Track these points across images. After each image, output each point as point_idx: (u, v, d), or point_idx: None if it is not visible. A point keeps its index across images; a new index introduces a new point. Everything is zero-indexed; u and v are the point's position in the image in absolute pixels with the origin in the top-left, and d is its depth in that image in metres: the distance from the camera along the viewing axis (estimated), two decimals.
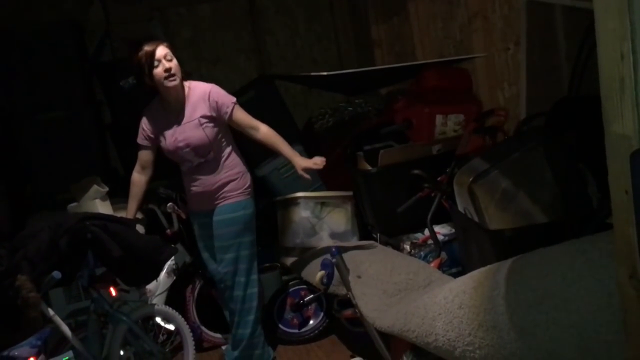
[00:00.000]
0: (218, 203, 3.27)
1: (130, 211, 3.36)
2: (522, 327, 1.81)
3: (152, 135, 3.26)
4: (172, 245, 3.51)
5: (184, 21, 5.42)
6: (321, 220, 4.04)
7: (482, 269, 2.20)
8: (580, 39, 2.98)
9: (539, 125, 3.07)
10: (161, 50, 3.08)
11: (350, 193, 4.04)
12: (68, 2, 5.09)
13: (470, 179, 2.90)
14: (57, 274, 2.83)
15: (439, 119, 3.59)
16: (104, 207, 3.60)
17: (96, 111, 4.95)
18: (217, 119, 3.18)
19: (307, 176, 3.24)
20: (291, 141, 4.76)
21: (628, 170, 1.29)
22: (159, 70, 3.06)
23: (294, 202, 4.04)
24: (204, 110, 3.16)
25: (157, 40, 3.19)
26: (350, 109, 4.75)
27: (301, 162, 3.22)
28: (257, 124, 3.26)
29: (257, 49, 5.70)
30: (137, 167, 3.37)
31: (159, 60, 3.06)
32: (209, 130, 3.16)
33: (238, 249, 3.27)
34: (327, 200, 4.05)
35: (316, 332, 3.86)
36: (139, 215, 3.69)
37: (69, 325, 3.09)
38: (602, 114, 1.37)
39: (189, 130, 3.15)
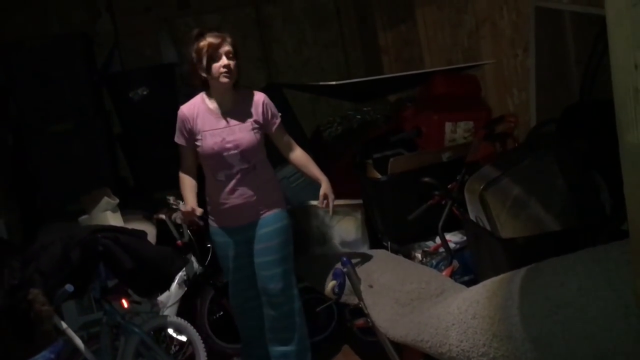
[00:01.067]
0: (262, 214, 3.10)
1: (190, 201, 3.10)
2: (538, 337, 1.80)
3: (187, 135, 3.05)
4: (183, 256, 3.53)
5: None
6: (331, 228, 4.02)
7: (496, 278, 2.18)
8: (590, 45, 2.96)
9: (549, 132, 3.05)
10: (226, 46, 2.94)
11: (359, 201, 4.02)
12: (77, 15, 5.13)
13: (482, 187, 2.88)
14: (69, 287, 2.84)
15: (448, 126, 3.58)
16: (114, 219, 3.61)
17: (106, 122, 4.98)
18: (264, 127, 3.09)
19: (322, 204, 3.20)
20: None
21: None
22: (217, 65, 2.92)
23: (304, 211, 4.03)
24: (257, 116, 3.06)
25: (223, 33, 3.01)
26: (359, 116, 4.75)
27: (325, 188, 3.18)
28: (294, 144, 3.25)
29: (264, 58, 5.73)
30: (183, 166, 3.15)
31: (221, 56, 2.92)
32: (259, 135, 3.06)
33: (287, 261, 3.15)
34: (336, 208, 4.03)
35: (327, 341, 3.84)
36: (150, 227, 3.71)
37: (81, 337, 3.10)
38: (617, 124, 1.36)
39: (240, 132, 3.01)
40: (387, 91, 4.84)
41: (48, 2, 5.13)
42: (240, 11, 5.64)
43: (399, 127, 3.94)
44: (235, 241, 3.14)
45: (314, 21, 5.79)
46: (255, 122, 3.05)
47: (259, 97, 3.11)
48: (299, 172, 3.36)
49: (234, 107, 3.04)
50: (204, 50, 2.91)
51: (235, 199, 3.06)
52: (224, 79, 2.93)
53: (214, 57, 2.90)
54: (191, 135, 3.04)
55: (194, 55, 2.95)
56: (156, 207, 3.92)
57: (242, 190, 3.05)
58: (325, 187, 3.18)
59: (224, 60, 2.91)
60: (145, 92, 4.59)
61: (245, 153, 3.02)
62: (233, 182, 3.03)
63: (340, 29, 5.85)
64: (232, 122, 3.02)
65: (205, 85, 3.04)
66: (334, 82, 3.76)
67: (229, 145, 2.99)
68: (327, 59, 5.84)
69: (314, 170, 3.23)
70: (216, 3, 5.54)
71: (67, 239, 2.96)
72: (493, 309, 2.02)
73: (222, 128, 3.01)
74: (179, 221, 3.68)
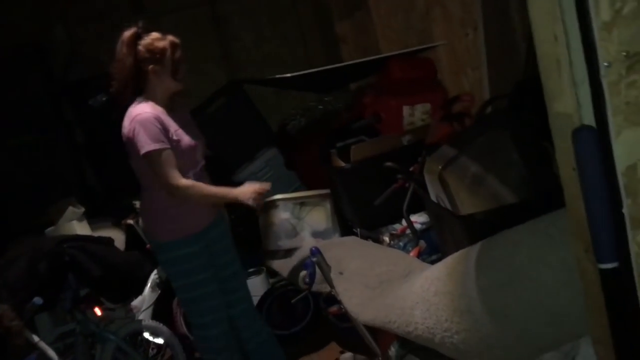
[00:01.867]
0: (215, 212, 2.98)
1: (229, 188, 2.81)
2: (494, 308, 1.85)
3: (165, 135, 2.73)
4: (153, 259, 3.53)
5: None
6: (301, 220, 4.06)
7: (454, 255, 2.23)
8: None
9: (502, 107, 3.11)
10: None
11: (327, 191, 4.06)
12: (29, 26, 5.06)
13: (440, 167, 2.93)
14: (38, 300, 2.84)
15: (406, 110, 3.62)
16: (81, 228, 3.60)
17: (68, 132, 4.94)
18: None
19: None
20: (266, 145, 4.83)
21: (572, 147, 1.32)
22: (182, 68, 2.78)
23: (273, 204, 4.06)
24: (185, 116, 2.97)
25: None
26: (321, 107, 4.78)
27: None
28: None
29: (224, 56, 5.71)
30: (178, 173, 2.70)
31: (183, 58, 2.78)
32: None
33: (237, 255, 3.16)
34: (305, 200, 4.07)
35: (306, 331, 3.88)
36: (119, 233, 3.70)
37: (57, 349, 3.09)
38: (544, 94, 1.40)
39: (195, 130, 2.92)
40: (348, 80, 4.87)
41: None
42: (196, 10, 5.61)
43: (359, 114, 3.97)
44: (201, 248, 2.88)
45: (270, 15, 5.78)
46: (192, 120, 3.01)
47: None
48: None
49: (175, 109, 2.87)
50: (169, 51, 2.73)
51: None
52: (183, 83, 2.82)
53: (180, 58, 2.75)
54: (167, 135, 2.74)
55: (148, 55, 2.70)
56: (124, 213, 3.91)
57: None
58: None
59: (185, 64, 2.80)
60: (104, 99, 4.55)
61: (204, 147, 2.95)
62: (200, 181, 2.85)
63: (297, 21, 5.85)
64: (183, 121, 2.88)
65: (136, 92, 2.78)
66: (289, 75, 3.78)
67: (196, 141, 2.88)
68: (287, 52, 5.84)
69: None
70: (171, 4, 5.50)
71: (32, 252, 2.96)
72: (452, 285, 2.07)
73: (185, 128, 2.86)
74: None
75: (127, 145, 2.76)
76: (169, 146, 2.69)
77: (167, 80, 2.77)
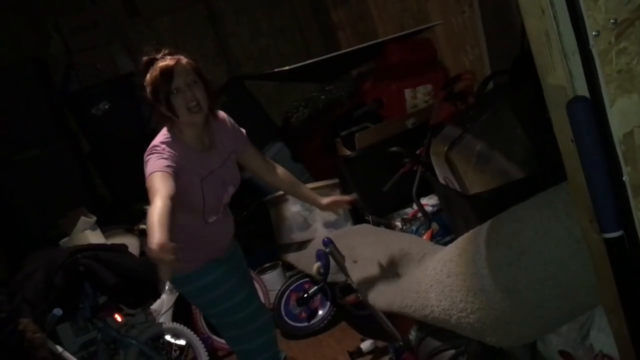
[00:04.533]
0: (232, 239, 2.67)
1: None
2: (506, 285, 1.85)
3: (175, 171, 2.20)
4: None
5: (145, 38, 5.36)
6: (312, 212, 4.06)
7: (465, 235, 2.23)
8: None
9: (503, 83, 3.08)
10: (181, 72, 2.20)
11: (336, 180, 4.06)
12: (27, 41, 5.08)
13: (446, 148, 2.92)
14: (57, 311, 2.88)
15: (407, 93, 3.61)
16: (95, 237, 3.63)
17: (73, 142, 4.97)
18: (237, 149, 2.52)
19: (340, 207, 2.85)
20: (271, 139, 4.83)
21: (568, 119, 1.31)
22: (178, 101, 2.20)
23: (283, 198, 4.06)
24: (231, 141, 2.47)
25: (176, 54, 2.26)
26: (323, 97, 4.74)
27: (323, 202, 2.74)
28: (271, 162, 2.67)
29: (222, 53, 5.70)
30: (156, 197, 2.04)
31: (179, 87, 2.19)
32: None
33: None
34: (314, 191, 4.06)
35: (325, 322, 3.89)
36: (132, 239, 3.73)
37: (81, 357, 3.13)
38: (537, 69, 1.39)
39: (233, 169, 2.46)
40: (348, 67, 4.84)
41: None
42: (191, 10, 5.60)
43: (361, 101, 3.96)
44: (230, 269, 2.53)
45: (265, 8, 5.76)
46: (233, 150, 2.49)
47: (223, 116, 2.50)
48: (286, 193, 2.88)
49: (212, 138, 2.40)
50: (158, 81, 2.20)
51: (224, 233, 2.58)
52: (194, 117, 2.23)
53: (170, 89, 2.19)
54: (176, 173, 2.21)
55: (149, 90, 2.25)
56: (136, 218, 3.93)
57: (227, 223, 2.59)
58: (325, 199, 2.76)
59: (185, 93, 2.19)
60: (106, 106, 4.58)
61: (236, 187, 2.51)
62: (222, 218, 2.51)
63: (293, 12, 5.82)
64: (219, 156, 2.40)
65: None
66: (287, 67, 3.77)
67: (230, 188, 2.45)
68: (285, 44, 5.82)
69: (306, 190, 2.76)
70: (165, 5, 5.49)
71: (48, 265, 3.00)
72: (464, 265, 2.07)
73: (216, 169, 2.37)
74: None
75: None
76: (163, 170, 2.15)
77: (177, 118, 2.25)
